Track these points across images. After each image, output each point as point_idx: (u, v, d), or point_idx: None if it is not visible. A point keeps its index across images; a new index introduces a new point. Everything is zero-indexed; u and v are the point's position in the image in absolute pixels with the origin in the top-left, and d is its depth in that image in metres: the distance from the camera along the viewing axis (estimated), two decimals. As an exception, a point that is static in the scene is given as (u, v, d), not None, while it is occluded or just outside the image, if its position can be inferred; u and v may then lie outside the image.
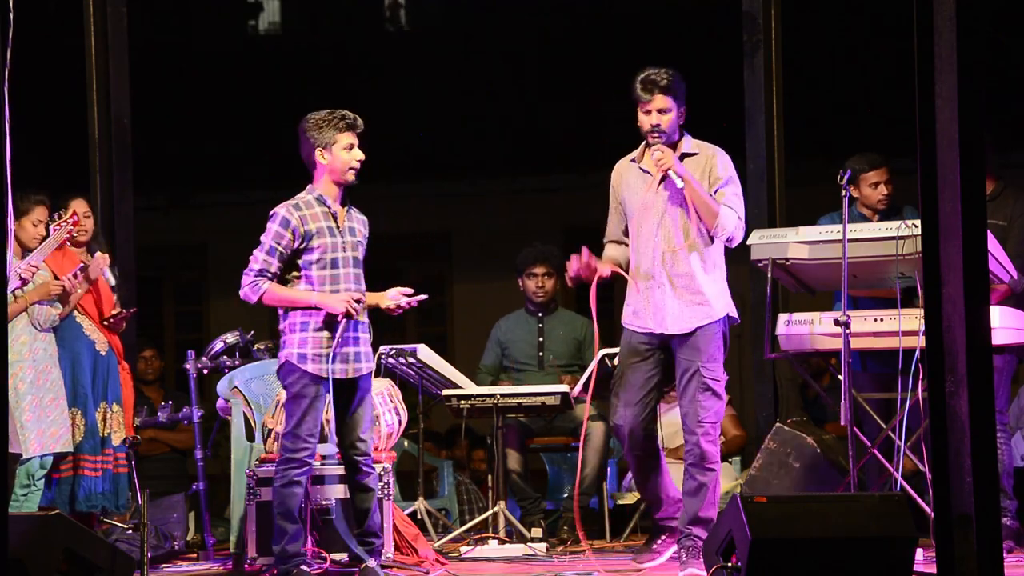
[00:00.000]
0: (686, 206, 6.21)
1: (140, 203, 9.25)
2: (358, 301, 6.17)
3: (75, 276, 7.12)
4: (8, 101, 4.78)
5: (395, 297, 6.31)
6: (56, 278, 7.15)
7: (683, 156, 6.29)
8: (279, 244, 6.19)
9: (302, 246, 6.19)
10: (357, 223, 6.34)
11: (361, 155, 6.25)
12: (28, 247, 7.21)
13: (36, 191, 7.23)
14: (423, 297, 6.36)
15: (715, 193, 6.26)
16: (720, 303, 6.30)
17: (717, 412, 6.27)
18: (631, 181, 6.37)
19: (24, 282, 7.02)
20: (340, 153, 6.22)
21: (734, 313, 6.36)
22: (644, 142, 6.35)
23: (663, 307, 6.26)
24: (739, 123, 8.67)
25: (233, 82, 12.73)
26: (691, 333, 6.25)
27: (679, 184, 6.15)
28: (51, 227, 7.17)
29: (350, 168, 6.23)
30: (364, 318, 6.29)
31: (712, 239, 6.26)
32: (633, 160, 6.40)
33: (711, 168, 6.30)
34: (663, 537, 6.49)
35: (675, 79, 6.27)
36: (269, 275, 6.20)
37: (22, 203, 7.15)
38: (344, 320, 6.15)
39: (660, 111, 6.23)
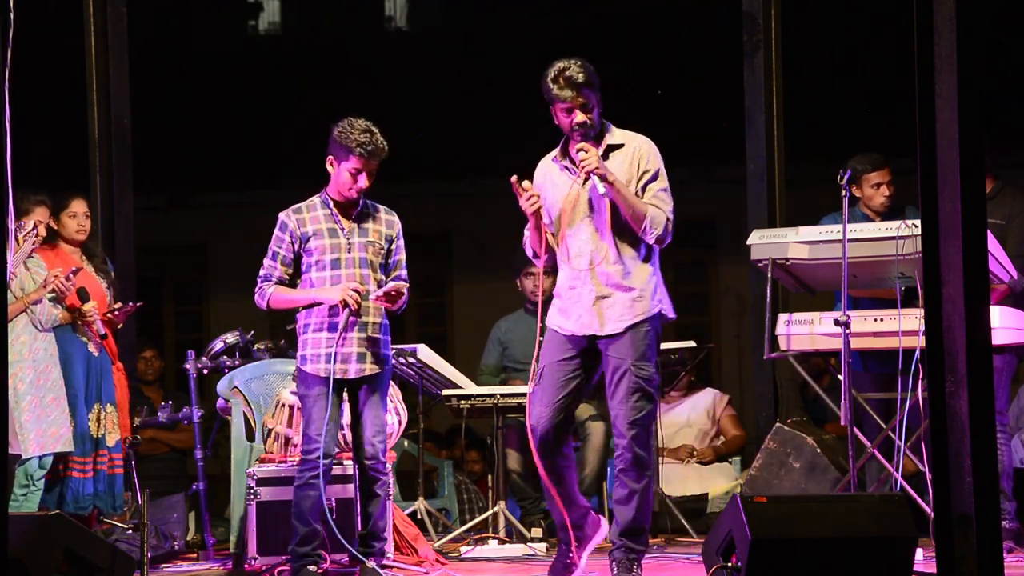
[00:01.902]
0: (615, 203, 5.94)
1: (140, 203, 9.25)
2: (357, 291, 6.16)
3: (67, 279, 7.10)
4: (8, 101, 4.78)
5: (378, 290, 6.24)
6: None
7: (609, 149, 5.99)
8: (279, 248, 6.28)
9: (302, 248, 6.23)
10: (374, 223, 6.32)
11: (364, 184, 6.24)
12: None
13: (36, 191, 7.23)
14: (405, 285, 6.25)
15: (644, 188, 5.96)
16: (653, 300, 5.97)
17: (649, 415, 5.93)
18: (555, 179, 6.06)
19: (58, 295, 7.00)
20: (344, 173, 6.23)
21: (669, 311, 6.03)
22: (564, 139, 6.08)
23: (591, 307, 5.96)
24: (739, 123, 8.68)
25: (233, 82, 12.72)
26: (621, 333, 5.95)
27: (601, 190, 5.86)
28: (21, 236, 7.18)
29: (349, 188, 6.24)
30: (374, 318, 6.26)
31: (639, 240, 5.97)
32: (555, 159, 6.10)
33: (640, 159, 5.98)
34: (576, 548, 6.06)
35: (590, 71, 5.93)
36: (274, 279, 6.27)
37: (22, 203, 7.14)
38: (346, 314, 6.15)
39: (583, 108, 5.92)
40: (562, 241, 6.04)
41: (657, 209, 5.94)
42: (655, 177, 5.99)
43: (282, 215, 6.31)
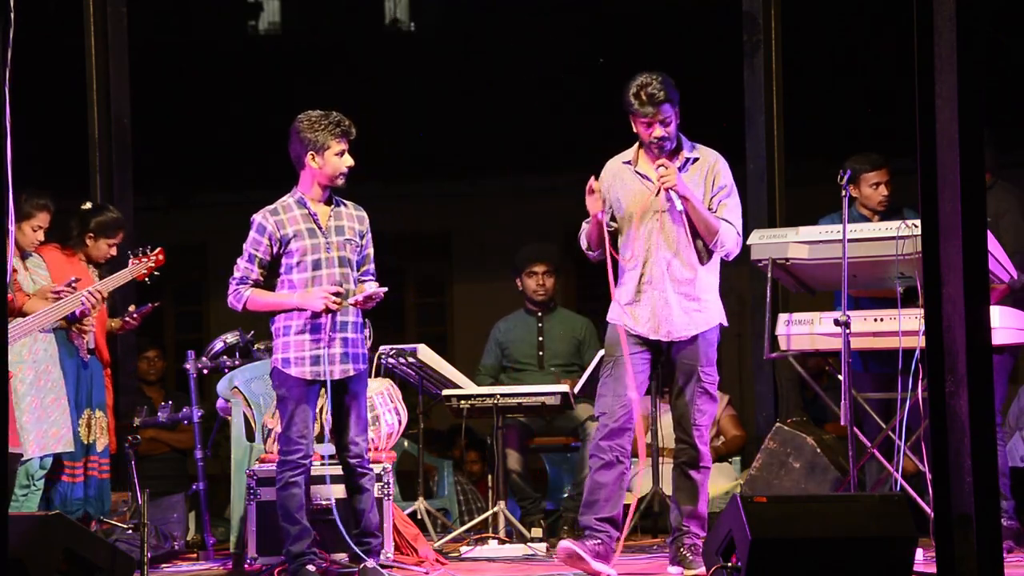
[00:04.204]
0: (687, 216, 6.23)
1: (140, 203, 9.25)
2: (337, 294, 6.16)
3: (68, 285, 7.08)
4: (8, 101, 4.78)
5: (359, 294, 6.25)
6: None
7: (686, 161, 6.28)
8: (257, 251, 6.25)
9: (281, 250, 6.22)
10: (347, 220, 6.32)
11: (351, 161, 6.27)
12: (25, 250, 7.19)
13: (40, 195, 7.21)
14: (384, 289, 6.27)
15: (717, 204, 6.27)
16: (717, 309, 6.33)
17: (712, 415, 6.35)
18: (627, 181, 6.33)
19: (85, 312, 7.02)
20: (332, 159, 6.23)
21: (724, 320, 6.39)
22: (637, 144, 6.33)
23: (663, 313, 6.25)
24: (739, 123, 8.68)
25: (233, 82, 12.72)
26: (691, 339, 6.27)
27: (679, 207, 6.16)
28: (131, 260, 7.22)
29: (340, 174, 6.24)
30: (353, 318, 6.27)
31: (710, 252, 6.28)
32: (627, 162, 6.36)
33: (715, 175, 6.30)
34: (596, 542, 6.23)
35: (670, 86, 6.21)
36: (250, 282, 6.26)
37: (25, 206, 7.12)
38: (328, 318, 6.15)
39: (662, 123, 6.20)
40: (629, 244, 6.28)
41: (729, 225, 6.27)
42: (729, 193, 6.33)
43: (258, 217, 6.27)
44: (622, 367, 6.28)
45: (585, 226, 6.38)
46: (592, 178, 6.25)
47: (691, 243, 6.23)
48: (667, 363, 6.37)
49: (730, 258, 6.35)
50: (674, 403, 6.36)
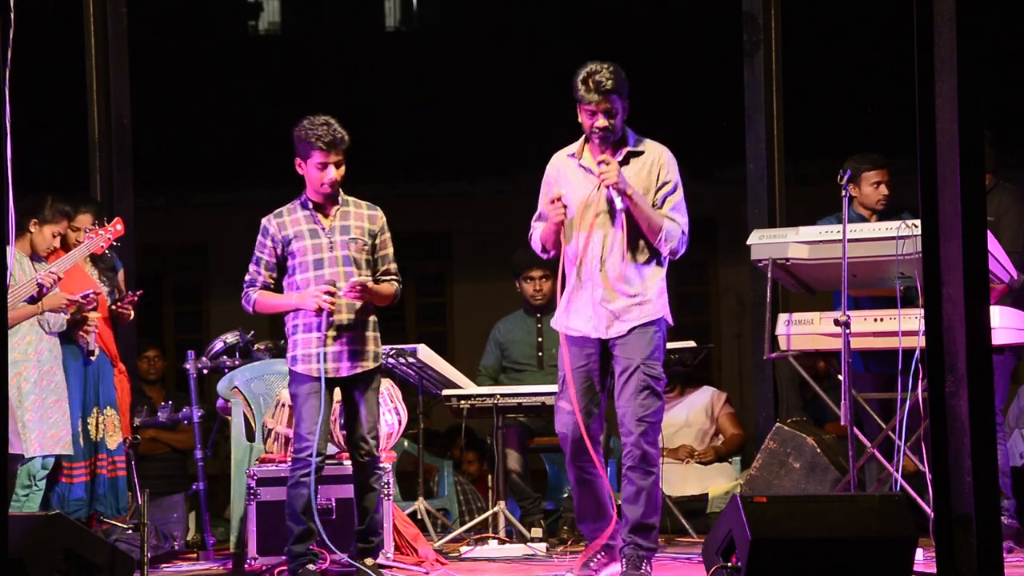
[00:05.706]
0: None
1: (140, 203, 9.26)
2: (331, 293, 6.14)
3: (85, 298, 7.08)
4: (8, 101, 4.78)
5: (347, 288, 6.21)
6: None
7: (629, 155, 6.05)
8: (262, 253, 6.32)
9: (285, 252, 6.25)
10: (355, 219, 6.31)
11: (333, 175, 6.22)
12: (39, 254, 7.20)
13: (63, 201, 7.21)
14: (364, 279, 6.20)
15: (662, 200, 6.04)
16: (659, 304, 6.04)
17: (657, 412, 5.98)
18: (570, 177, 6.11)
19: (42, 289, 6.97)
20: (311, 169, 6.23)
21: (670, 319, 6.10)
22: (583, 138, 6.12)
23: (600, 309, 6.01)
24: (739, 123, 8.68)
25: (233, 82, 12.73)
26: (626, 334, 6.00)
27: (619, 205, 5.93)
28: (86, 235, 7.18)
29: (322, 184, 6.22)
30: (360, 316, 6.24)
31: (654, 250, 6.05)
32: (572, 155, 6.13)
33: (660, 168, 6.06)
34: (600, 555, 6.16)
35: (620, 77, 5.97)
36: (258, 284, 6.31)
37: (49, 211, 7.13)
38: (324, 316, 6.14)
39: (607, 113, 5.96)
40: (572, 241, 6.09)
41: (673, 223, 6.04)
42: (673, 189, 6.08)
43: (264, 220, 6.34)
44: (573, 380, 6.07)
45: (538, 226, 6.22)
46: (559, 193, 6.05)
47: (633, 241, 6.00)
48: (613, 361, 6.08)
49: (676, 256, 6.09)
50: (616, 400, 6.03)
